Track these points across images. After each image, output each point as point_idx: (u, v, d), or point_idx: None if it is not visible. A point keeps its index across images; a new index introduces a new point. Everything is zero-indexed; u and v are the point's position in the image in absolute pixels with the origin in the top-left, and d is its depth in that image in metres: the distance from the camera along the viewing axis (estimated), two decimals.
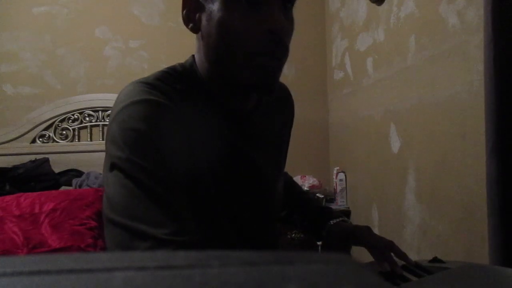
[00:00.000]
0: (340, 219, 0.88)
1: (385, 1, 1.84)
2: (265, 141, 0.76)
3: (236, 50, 0.61)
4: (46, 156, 2.27)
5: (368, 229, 0.83)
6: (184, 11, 0.66)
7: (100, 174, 2.08)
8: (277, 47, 0.61)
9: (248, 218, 0.72)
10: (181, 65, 0.71)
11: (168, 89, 0.62)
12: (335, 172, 2.40)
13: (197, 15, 0.64)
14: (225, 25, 0.60)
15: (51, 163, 2.24)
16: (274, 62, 0.62)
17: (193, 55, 0.71)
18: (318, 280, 0.15)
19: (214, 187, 0.65)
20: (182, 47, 2.65)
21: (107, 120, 2.30)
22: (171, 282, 0.14)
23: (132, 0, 2.55)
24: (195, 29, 0.65)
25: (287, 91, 0.89)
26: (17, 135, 2.34)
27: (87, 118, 2.41)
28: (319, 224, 0.88)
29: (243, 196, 0.70)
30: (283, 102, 0.86)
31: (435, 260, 0.78)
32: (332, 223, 0.86)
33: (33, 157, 2.26)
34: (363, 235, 0.81)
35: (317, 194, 2.35)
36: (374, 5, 1.93)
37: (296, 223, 0.95)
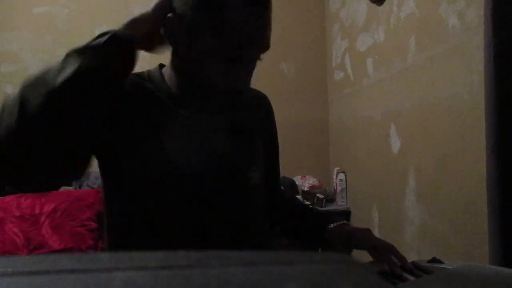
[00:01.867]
0: (341, 222, 0.88)
1: (385, 1, 1.84)
2: (233, 132, 0.78)
3: (204, 84, 0.68)
4: None
5: (368, 231, 0.83)
6: (167, 28, 0.67)
7: None
8: (238, 95, 0.70)
9: (212, 211, 0.73)
10: (150, 70, 0.78)
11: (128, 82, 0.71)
12: (335, 172, 2.40)
13: (180, 38, 0.67)
14: (201, 68, 0.67)
15: None
16: (234, 99, 0.71)
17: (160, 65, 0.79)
18: (318, 280, 0.15)
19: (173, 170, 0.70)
20: None
21: None
22: (171, 282, 0.14)
23: (132, 0, 2.55)
24: (172, 45, 0.69)
25: (265, 100, 0.92)
26: None
27: None
28: (320, 228, 0.88)
29: (202, 183, 0.72)
30: (259, 107, 0.89)
31: (433, 260, 0.78)
32: (332, 226, 0.86)
33: None
34: (364, 238, 0.82)
35: (317, 194, 2.36)
36: (374, 5, 1.93)
37: (296, 233, 0.95)
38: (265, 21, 0.66)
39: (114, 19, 2.47)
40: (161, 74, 0.76)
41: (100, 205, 1.80)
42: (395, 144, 1.77)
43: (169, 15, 0.66)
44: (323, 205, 2.29)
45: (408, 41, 1.65)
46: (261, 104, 0.91)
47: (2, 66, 2.46)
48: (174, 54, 0.72)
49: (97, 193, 1.89)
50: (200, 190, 0.72)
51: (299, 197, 2.30)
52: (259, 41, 0.66)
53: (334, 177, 2.39)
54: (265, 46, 0.68)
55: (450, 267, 0.72)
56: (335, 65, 2.54)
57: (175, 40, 0.68)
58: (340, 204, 2.34)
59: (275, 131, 0.93)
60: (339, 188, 2.35)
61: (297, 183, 2.46)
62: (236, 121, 0.80)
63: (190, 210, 0.70)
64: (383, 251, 0.77)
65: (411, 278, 0.69)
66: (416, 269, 0.73)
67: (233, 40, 0.63)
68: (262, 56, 0.70)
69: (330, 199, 2.39)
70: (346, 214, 2.29)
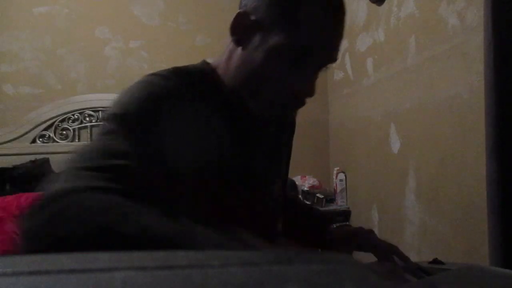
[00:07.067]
0: (343, 223, 0.88)
1: (385, 1, 1.84)
2: (264, 144, 0.77)
3: (265, 93, 0.66)
4: (47, 156, 2.26)
5: (371, 232, 0.83)
6: (236, 24, 0.66)
7: None
8: (298, 105, 0.70)
9: (240, 213, 0.71)
10: (197, 66, 0.72)
11: (180, 83, 0.65)
12: (335, 172, 2.39)
13: (248, 35, 0.65)
14: (265, 69, 0.64)
15: (51, 163, 2.24)
16: (290, 113, 0.73)
17: (203, 61, 0.73)
18: (318, 280, 0.15)
19: (207, 180, 0.66)
20: (182, 47, 2.64)
21: None
22: (171, 282, 0.14)
23: (132, 0, 2.55)
24: (237, 42, 0.67)
25: None
26: (17, 135, 2.34)
27: (88, 118, 2.41)
28: (323, 229, 0.88)
29: (233, 193, 0.70)
30: None
31: (435, 261, 0.78)
32: (335, 226, 0.86)
33: (33, 157, 2.25)
34: (367, 239, 0.82)
35: (317, 194, 2.35)
36: (374, 5, 1.93)
37: (298, 233, 0.95)
38: (338, 31, 0.65)
39: (114, 19, 2.48)
40: (216, 74, 0.72)
41: None
42: (395, 144, 1.77)
43: (239, 10, 0.65)
44: (323, 205, 2.29)
45: (408, 41, 1.65)
46: None
47: (2, 66, 2.46)
48: (236, 51, 0.68)
49: None
50: (223, 198, 0.68)
51: (299, 197, 2.30)
52: (328, 48, 0.65)
53: (334, 177, 2.39)
54: (332, 56, 0.66)
55: (451, 268, 0.72)
56: (335, 65, 2.54)
57: (242, 36, 0.66)
58: (340, 204, 2.34)
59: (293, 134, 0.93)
60: (339, 188, 2.34)
61: (297, 183, 2.46)
62: (271, 129, 0.79)
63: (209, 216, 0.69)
64: (386, 252, 0.78)
65: (412, 279, 0.69)
66: (418, 270, 0.73)
67: (303, 40, 0.62)
68: (326, 67, 0.68)
69: (330, 199, 2.39)
70: (346, 214, 2.29)
